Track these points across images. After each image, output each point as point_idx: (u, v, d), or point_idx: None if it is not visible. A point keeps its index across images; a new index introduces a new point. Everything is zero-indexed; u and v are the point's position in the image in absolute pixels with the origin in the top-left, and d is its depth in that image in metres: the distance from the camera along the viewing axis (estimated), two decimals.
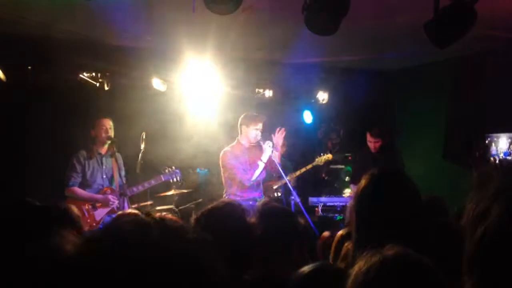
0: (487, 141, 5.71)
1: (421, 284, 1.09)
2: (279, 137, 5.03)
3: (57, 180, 4.73)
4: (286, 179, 4.85)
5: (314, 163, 6.23)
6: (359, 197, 1.69)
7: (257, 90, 6.67)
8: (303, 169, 6.13)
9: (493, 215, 0.90)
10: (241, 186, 4.87)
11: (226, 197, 4.86)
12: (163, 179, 5.10)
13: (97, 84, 5.56)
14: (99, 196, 4.71)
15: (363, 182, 1.71)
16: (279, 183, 5.88)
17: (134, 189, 4.85)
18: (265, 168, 4.92)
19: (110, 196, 4.70)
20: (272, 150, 4.83)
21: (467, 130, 6.04)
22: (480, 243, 0.91)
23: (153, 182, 5.00)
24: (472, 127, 5.93)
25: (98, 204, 4.64)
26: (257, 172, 4.84)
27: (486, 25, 4.37)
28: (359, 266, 1.14)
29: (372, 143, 5.55)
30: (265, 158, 4.84)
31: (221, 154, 4.95)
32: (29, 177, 5.07)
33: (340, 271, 1.57)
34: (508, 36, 4.87)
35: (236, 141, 5.03)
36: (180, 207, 5.88)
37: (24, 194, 4.72)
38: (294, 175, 6.08)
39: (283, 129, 5.12)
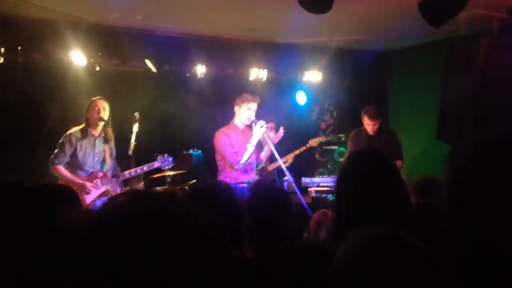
0: None
1: (410, 267, 1.04)
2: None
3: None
4: (280, 161, 4.77)
5: (308, 145, 6.19)
6: (339, 176, 1.70)
7: (250, 71, 6.62)
8: (297, 151, 6.09)
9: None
10: (232, 169, 4.81)
11: (220, 180, 4.78)
12: (155, 165, 5.03)
13: (88, 65, 5.50)
14: (78, 181, 4.59)
15: (344, 161, 1.72)
16: (274, 165, 5.83)
17: (127, 174, 4.80)
18: (255, 151, 4.81)
19: (87, 184, 4.61)
20: (264, 132, 4.72)
21: (461, 111, 6.02)
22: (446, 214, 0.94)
23: (145, 168, 4.94)
24: (466, 107, 5.91)
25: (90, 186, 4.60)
26: (246, 155, 4.72)
27: (480, 5, 4.34)
28: (346, 245, 1.10)
29: (370, 126, 5.38)
30: (254, 141, 4.70)
31: (214, 136, 4.86)
32: (22, 158, 5.06)
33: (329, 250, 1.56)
34: (502, 16, 4.84)
35: (230, 123, 4.94)
36: (173, 189, 5.87)
37: (15, 175, 4.73)
38: (290, 157, 6.05)
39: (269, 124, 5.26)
